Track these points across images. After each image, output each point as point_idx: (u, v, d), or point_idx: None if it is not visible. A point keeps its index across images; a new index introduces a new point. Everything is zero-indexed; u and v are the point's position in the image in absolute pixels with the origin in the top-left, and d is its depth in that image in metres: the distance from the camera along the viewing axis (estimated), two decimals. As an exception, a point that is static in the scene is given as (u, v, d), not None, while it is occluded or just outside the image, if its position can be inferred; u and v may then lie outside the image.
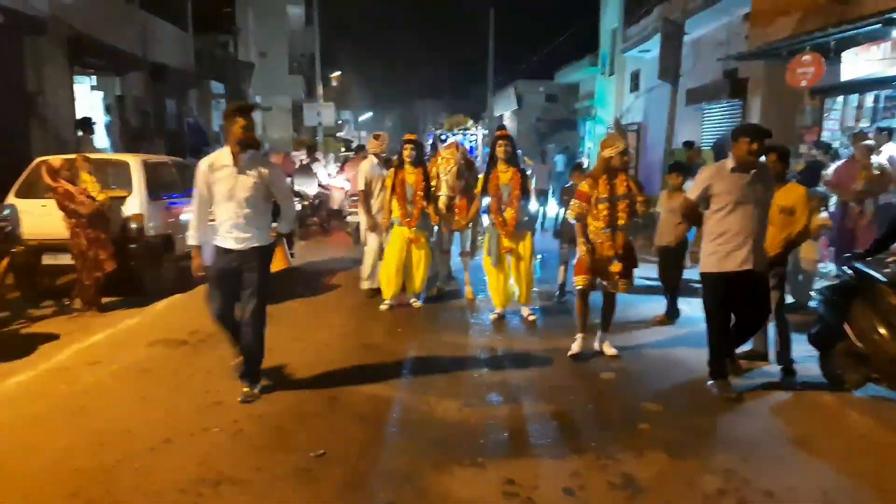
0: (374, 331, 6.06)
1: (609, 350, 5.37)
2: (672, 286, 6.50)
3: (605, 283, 5.27)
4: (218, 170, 4.18)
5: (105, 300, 6.78)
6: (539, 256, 6.68)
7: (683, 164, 6.92)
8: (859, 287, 4.59)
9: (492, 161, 6.26)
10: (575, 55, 26.92)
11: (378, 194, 7.05)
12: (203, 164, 4.22)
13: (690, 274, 7.50)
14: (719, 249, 4.40)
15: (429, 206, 6.69)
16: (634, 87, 19.53)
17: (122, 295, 7.08)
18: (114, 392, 4.54)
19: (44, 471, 3.40)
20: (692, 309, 6.50)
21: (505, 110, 33.35)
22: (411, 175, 6.60)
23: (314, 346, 5.58)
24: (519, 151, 6.72)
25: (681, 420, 4.20)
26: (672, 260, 6.46)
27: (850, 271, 4.76)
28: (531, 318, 6.37)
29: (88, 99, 12.24)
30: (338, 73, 32.19)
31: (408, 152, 6.60)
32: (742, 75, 12.28)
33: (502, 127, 6.45)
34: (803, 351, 5.01)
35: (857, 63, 7.89)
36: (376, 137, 7.33)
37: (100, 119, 12.23)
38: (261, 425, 3.99)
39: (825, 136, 9.34)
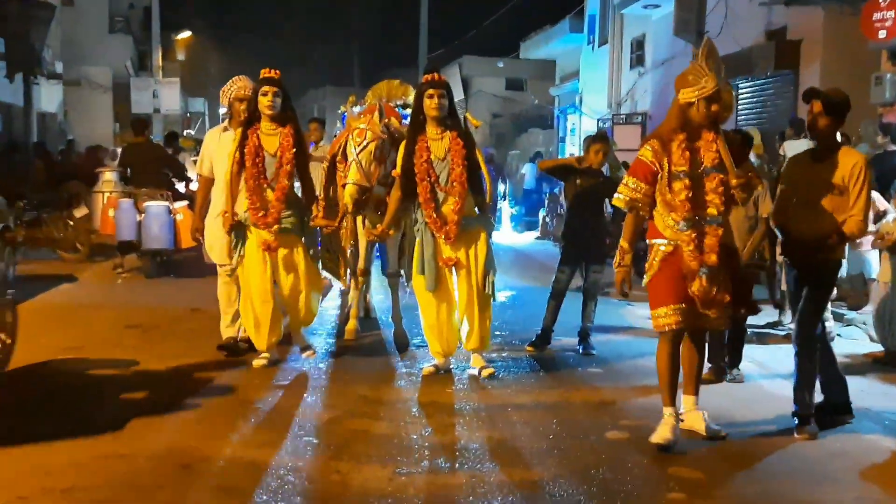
0: (250, 384, 5.94)
1: (700, 424, 5.03)
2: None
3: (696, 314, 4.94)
4: None
5: None
6: (494, 275, 6.30)
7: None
8: None
9: (415, 124, 6.11)
10: (548, 18, 27.93)
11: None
12: None
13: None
14: None
15: (319, 200, 6.51)
16: (637, 61, 20.43)
17: None
18: None
19: None
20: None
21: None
22: (272, 137, 6.20)
23: (164, 396, 5.47)
24: (489, 151, 6.59)
25: (728, 489, 4.34)
26: None
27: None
28: (486, 372, 6.22)
29: None
30: (187, 35, 31.43)
31: (268, 100, 6.13)
32: (792, 36, 13.11)
33: (431, 69, 6.25)
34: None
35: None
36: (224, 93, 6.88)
37: None
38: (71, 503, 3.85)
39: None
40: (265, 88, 6.13)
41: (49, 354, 6.51)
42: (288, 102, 6.35)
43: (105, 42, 26.34)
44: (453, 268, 6.12)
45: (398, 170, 6.16)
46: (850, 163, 5.02)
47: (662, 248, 4.87)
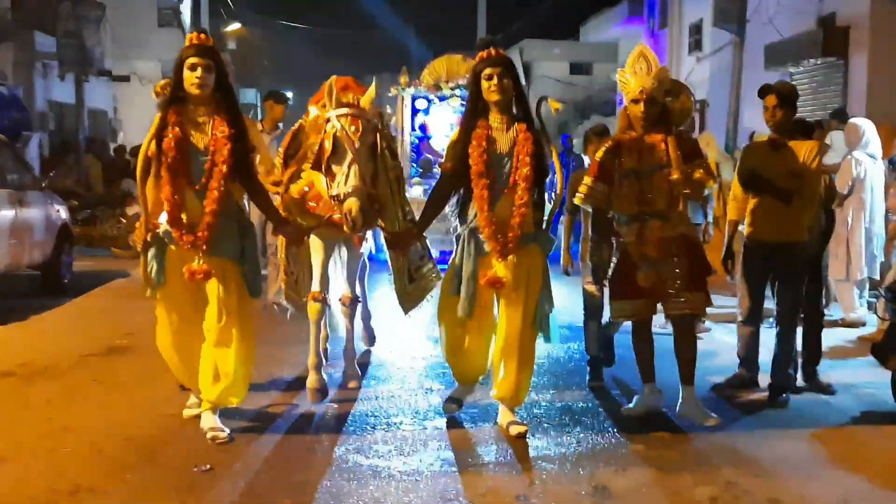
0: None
1: (707, 418, 5.55)
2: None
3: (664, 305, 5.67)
4: None
5: None
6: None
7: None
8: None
9: (473, 110, 5.37)
10: (608, 0, 29.28)
11: None
12: None
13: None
14: None
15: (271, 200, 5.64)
16: (695, 45, 21.45)
17: None
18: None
19: None
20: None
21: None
22: (201, 127, 5.13)
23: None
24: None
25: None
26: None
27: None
28: (516, 429, 5.30)
29: None
30: (237, 27, 34.11)
31: (197, 76, 4.99)
32: (841, 22, 14.02)
33: (490, 43, 5.27)
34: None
35: None
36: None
37: None
38: (127, 447, 5.03)
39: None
40: (193, 60, 4.98)
41: (100, 346, 7.61)
42: (225, 80, 5.23)
43: (154, 36, 28.60)
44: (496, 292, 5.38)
45: (447, 163, 5.51)
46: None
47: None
